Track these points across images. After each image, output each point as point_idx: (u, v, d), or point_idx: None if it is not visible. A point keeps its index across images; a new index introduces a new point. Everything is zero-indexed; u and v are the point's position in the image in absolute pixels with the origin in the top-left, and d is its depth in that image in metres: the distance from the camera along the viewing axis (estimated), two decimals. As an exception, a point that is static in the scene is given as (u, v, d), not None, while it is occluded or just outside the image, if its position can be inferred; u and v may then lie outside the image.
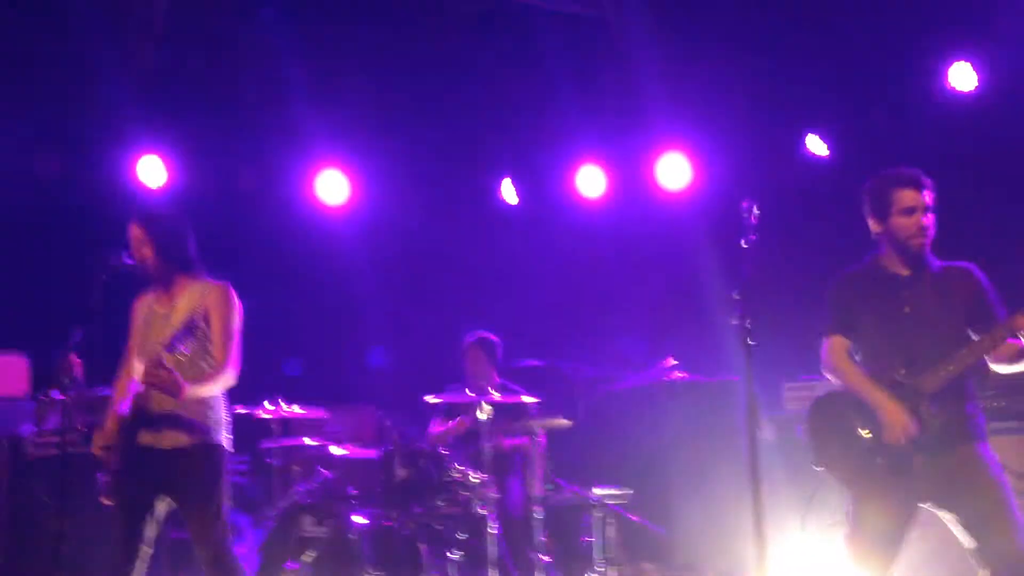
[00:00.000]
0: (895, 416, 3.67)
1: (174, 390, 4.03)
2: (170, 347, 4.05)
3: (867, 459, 3.72)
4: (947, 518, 3.72)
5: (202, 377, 4.20)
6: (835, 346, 3.93)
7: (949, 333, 3.74)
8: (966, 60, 6.41)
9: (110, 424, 4.29)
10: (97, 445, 4.27)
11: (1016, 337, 3.64)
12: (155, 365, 4.01)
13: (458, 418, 6.25)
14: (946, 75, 6.50)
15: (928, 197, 3.82)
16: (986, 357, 3.73)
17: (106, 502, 4.23)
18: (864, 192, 3.92)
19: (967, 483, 3.68)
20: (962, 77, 6.43)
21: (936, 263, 3.90)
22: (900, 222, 3.80)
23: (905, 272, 3.88)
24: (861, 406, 3.77)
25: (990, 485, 3.67)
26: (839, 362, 3.90)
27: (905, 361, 3.73)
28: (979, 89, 6.40)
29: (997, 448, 5.13)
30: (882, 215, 3.85)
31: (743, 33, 6.71)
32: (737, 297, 3.60)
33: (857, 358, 3.91)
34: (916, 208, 3.79)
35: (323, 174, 7.80)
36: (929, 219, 3.81)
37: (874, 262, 3.94)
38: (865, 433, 3.76)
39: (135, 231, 4.35)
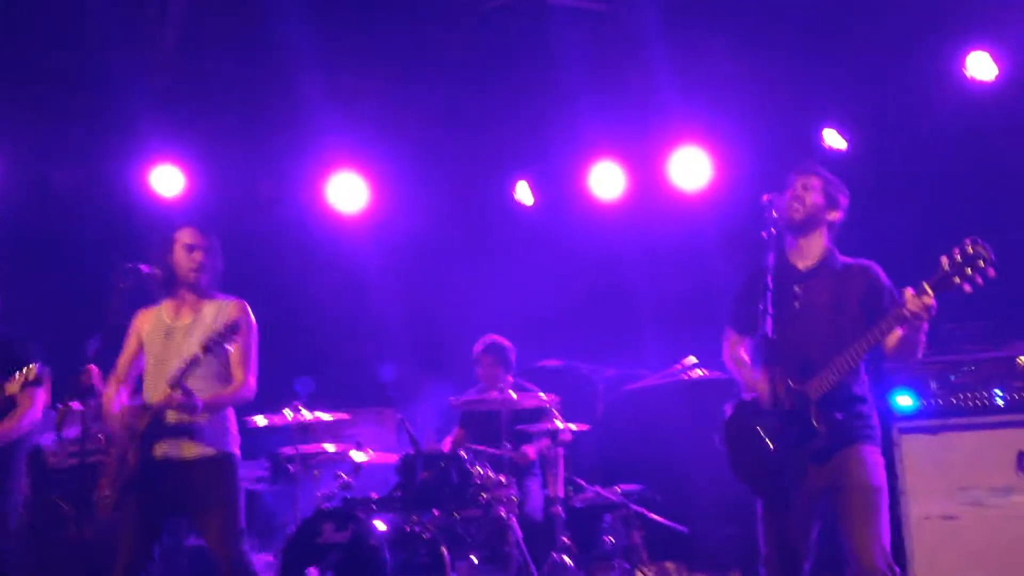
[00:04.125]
0: (766, 388, 3.66)
1: (191, 409, 4.13)
2: (186, 371, 4.12)
3: (772, 468, 3.65)
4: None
5: (221, 394, 4.29)
6: (729, 342, 4.02)
7: (837, 334, 3.69)
8: (985, 49, 6.32)
9: (117, 433, 4.31)
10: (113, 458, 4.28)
11: (901, 327, 3.55)
12: (173, 385, 4.10)
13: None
14: (964, 65, 6.41)
15: (806, 183, 3.88)
16: (887, 353, 3.68)
17: (107, 516, 4.24)
18: None
19: (841, 485, 3.66)
20: (981, 66, 6.35)
21: (839, 260, 3.88)
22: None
23: (803, 266, 3.87)
24: (765, 415, 3.71)
25: (856, 489, 3.64)
26: (730, 358, 3.99)
27: (796, 363, 3.67)
28: (999, 78, 6.31)
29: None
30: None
31: (758, 26, 6.64)
32: (766, 287, 3.57)
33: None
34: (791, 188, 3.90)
35: (338, 180, 7.78)
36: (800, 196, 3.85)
37: (780, 254, 3.90)
38: (767, 439, 3.72)
39: (198, 236, 4.40)
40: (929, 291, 3.45)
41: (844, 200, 3.95)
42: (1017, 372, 5.57)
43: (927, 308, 3.45)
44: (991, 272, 3.38)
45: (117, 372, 4.49)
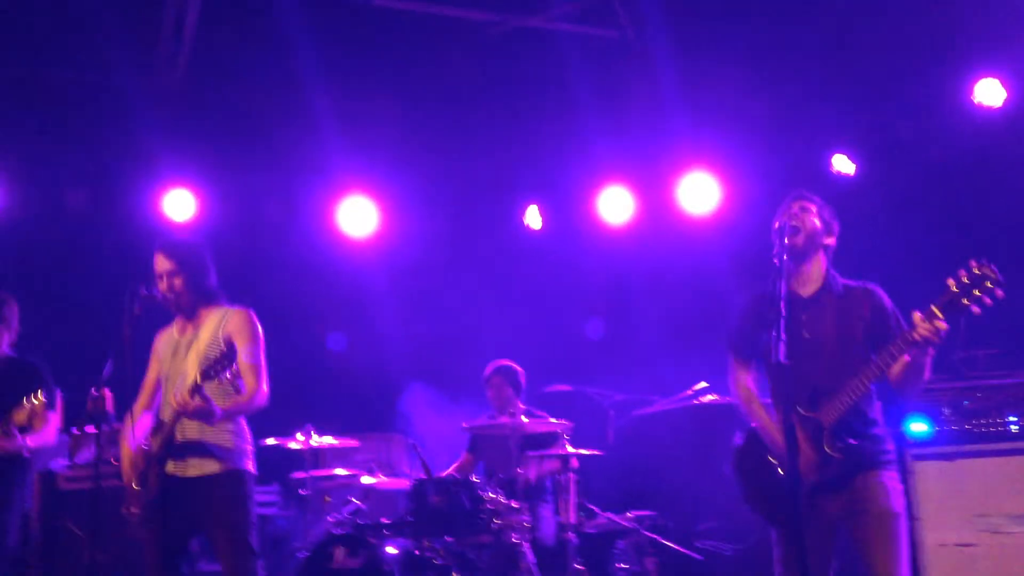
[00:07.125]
0: (779, 437, 3.62)
1: (208, 416, 4.05)
2: (200, 380, 4.04)
3: (786, 497, 3.58)
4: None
5: (236, 402, 4.22)
6: (735, 372, 3.94)
7: (847, 360, 3.66)
8: (993, 76, 6.36)
9: (126, 458, 4.29)
10: (126, 479, 4.27)
11: (910, 351, 3.50)
12: (190, 392, 4.01)
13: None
14: (972, 91, 6.44)
15: (803, 205, 3.83)
16: (892, 380, 3.62)
17: (138, 536, 4.22)
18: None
19: (860, 511, 3.63)
20: (990, 93, 6.38)
21: (840, 282, 3.84)
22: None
23: (806, 292, 3.82)
24: (777, 443, 3.71)
25: (877, 515, 3.61)
26: (741, 395, 3.92)
27: (806, 391, 3.64)
28: (1007, 103, 6.34)
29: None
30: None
31: (767, 52, 6.68)
32: (778, 313, 3.52)
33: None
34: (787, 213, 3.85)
35: (348, 205, 7.81)
36: (800, 220, 3.80)
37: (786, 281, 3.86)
38: (780, 468, 3.72)
39: (163, 262, 4.36)
40: (939, 314, 3.39)
41: (836, 226, 3.93)
42: (1030, 398, 5.56)
43: (937, 331, 3.39)
44: (999, 292, 3.34)
45: (140, 397, 4.46)
